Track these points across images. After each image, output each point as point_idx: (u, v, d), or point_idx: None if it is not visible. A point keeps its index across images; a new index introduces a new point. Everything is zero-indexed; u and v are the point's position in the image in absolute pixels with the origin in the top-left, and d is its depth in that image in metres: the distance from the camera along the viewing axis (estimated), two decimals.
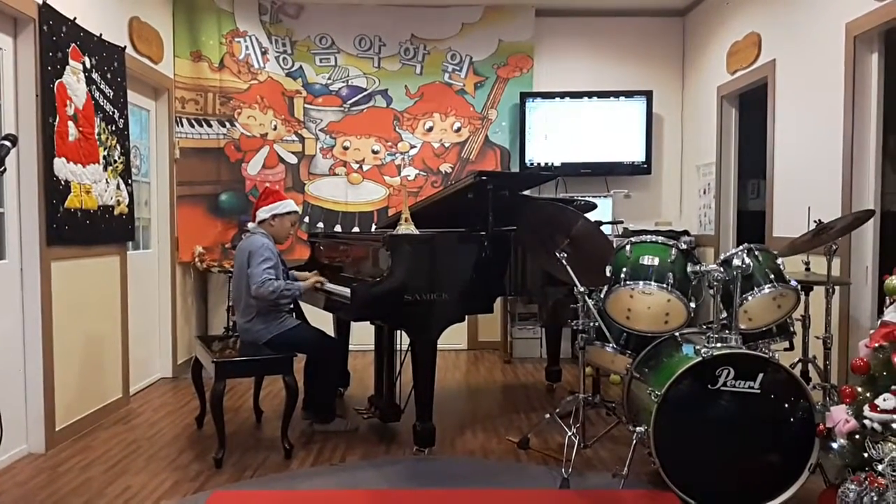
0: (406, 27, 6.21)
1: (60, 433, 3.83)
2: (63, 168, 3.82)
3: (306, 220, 6.12)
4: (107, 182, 4.30)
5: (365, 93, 6.21)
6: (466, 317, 3.89)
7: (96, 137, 4.17)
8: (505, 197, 3.93)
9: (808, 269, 3.81)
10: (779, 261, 3.37)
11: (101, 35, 4.24)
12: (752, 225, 5.38)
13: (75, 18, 3.94)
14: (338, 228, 6.15)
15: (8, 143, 2.70)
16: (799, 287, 3.34)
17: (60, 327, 3.83)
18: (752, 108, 5.43)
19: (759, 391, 2.86)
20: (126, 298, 4.64)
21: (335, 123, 6.19)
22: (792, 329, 3.52)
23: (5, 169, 2.67)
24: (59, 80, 3.79)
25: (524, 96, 6.19)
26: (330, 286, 3.92)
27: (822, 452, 2.79)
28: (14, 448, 3.54)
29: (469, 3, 6.16)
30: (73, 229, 3.92)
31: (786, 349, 3.56)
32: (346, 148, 6.21)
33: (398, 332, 4.08)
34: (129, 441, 3.91)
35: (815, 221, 3.48)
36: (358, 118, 6.20)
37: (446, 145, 6.26)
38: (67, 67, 3.88)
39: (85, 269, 4.13)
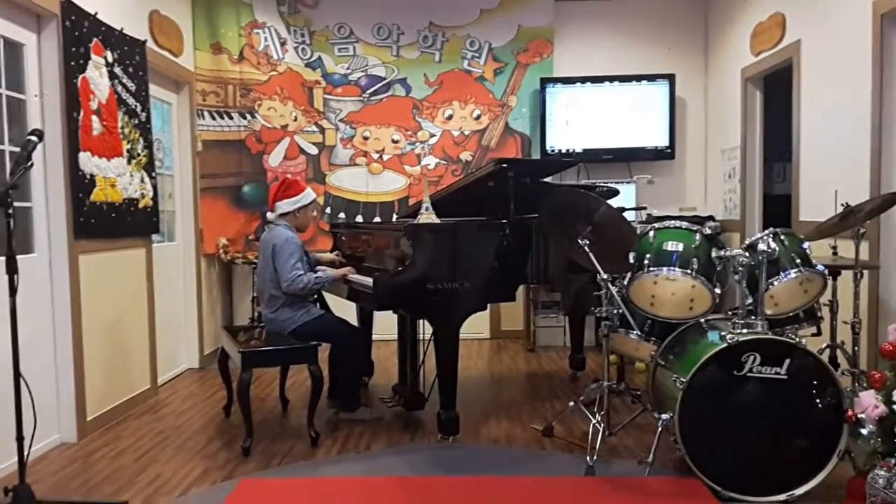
0: (424, 15, 6.18)
1: (91, 423, 3.90)
2: (88, 162, 3.87)
3: (328, 210, 6.14)
4: (131, 175, 4.35)
5: (384, 82, 6.21)
6: (489, 305, 3.89)
7: (119, 131, 4.22)
8: (526, 184, 3.91)
9: (835, 254, 3.75)
10: (805, 245, 3.31)
11: (122, 29, 4.27)
12: (779, 209, 5.30)
13: (97, 13, 3.98)
14: (359, 219, 6.17)
15: (34, 139, 2.74)
16: (826, 271, 3.28)
17: (89, 320, 3.89)
18: (777, 89, 5.34)
19: (785, 377, 2.83)
20: (152, 290, 4.70)
21: (355, 113, 6.19)
22: (819, 314, 3.46)
23: (32, 164, 2.72)
24: (82, 75, 3.83)
25: (544, 82, 6.14)
26: (353, 276, 3.94)
27: (851, 438, 2.76)
28: (47, 437, 3.62)
29: None
30: (100, 222, 3.97)
31: (813, 335, 3.51)
32: (366, 138, 6.21)
33: (421, 320, 4.09)
34: (158, 430, 3.97)
35: (842, 205, 3.42)
36: (377, 107, 6.20)
37: (466, 133, 6.24)
38: (90, 62, 3.92)
39: (111, 262, 4.19)
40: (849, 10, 4.08)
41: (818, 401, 2.82)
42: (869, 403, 2.59)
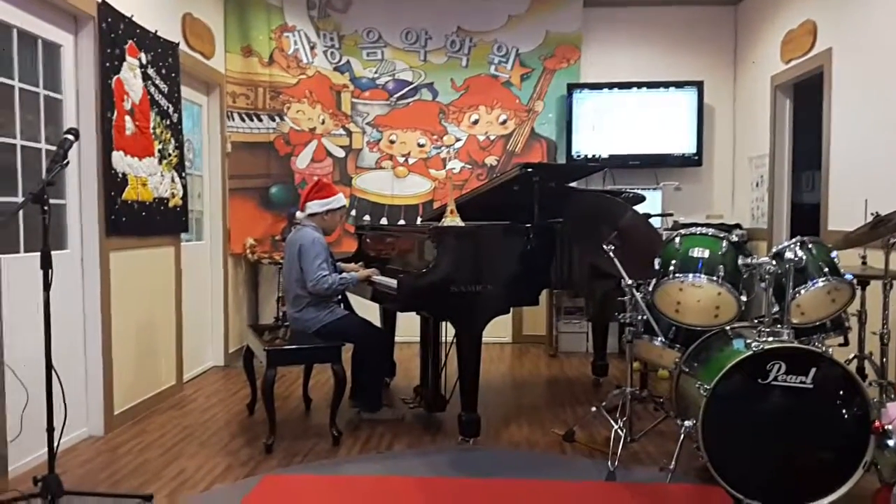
0: (452, 20, 6.22)
1: (118, 417, 3.97)
2: (120, 161, 3.95)
3: (353, 213, 6.19)
4: (161, 175, 4.42)
5: (411, 86, 6.25)
6: (511, 310, 3.90)
7: (151, 131, 4.30)
8: (551, 189, 3.92)
9: (864, 263, 3.69)
10: (833, 254, 3.28)
11: (156, 32, 4.36)
12: (807, 218, 5.25)
13: (132, 16, 4.06)
14: (384, 221, 6.21)
15: (71, 137, 2.81)
16: (854, 281, 3.24)
17: (118, 315, 3.97)
18: (806, 97, 5.29)
19: (811, 386, 2.79)
20: (180, 288, 4.77)
21: (382, 117, 6.24)
22: (847, 324, 3.42)
23: (68, 162, 2.79)
24: (116, 76, 3.92)
25: (571, 88, 6.14)
26: (377, 277, 3.98)
27: (878, 450, 2.72)
28: (76, 430, 3.69)
29: None
30: (130, 221, 4.05)
31: (840, 345, 3.46)
32: (392, 141, 6.26)
33: (444, 323, 4.11)
34: (183, 426, 4.03)
35: (872, 214, 3.38)
36: (404, 112, 6.24)
37: (492, 138, 6.26)
38: (125, 63, 4.00)
39: (141, 260, 4.27)
40: (881, 17, 4.04)
41: (844, 411, 2.79)
42: None
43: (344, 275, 3.96)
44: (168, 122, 4.52)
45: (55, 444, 2.77)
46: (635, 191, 4.93)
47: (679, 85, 6.13)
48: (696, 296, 3.25)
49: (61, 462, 3.25)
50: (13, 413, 3.06)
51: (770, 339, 2.90)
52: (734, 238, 3.30)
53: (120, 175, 3.94)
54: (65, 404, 2.87)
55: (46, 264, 2.69)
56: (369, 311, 4.47)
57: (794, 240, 3.26)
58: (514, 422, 4.10)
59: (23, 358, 3.12)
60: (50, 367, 2.76)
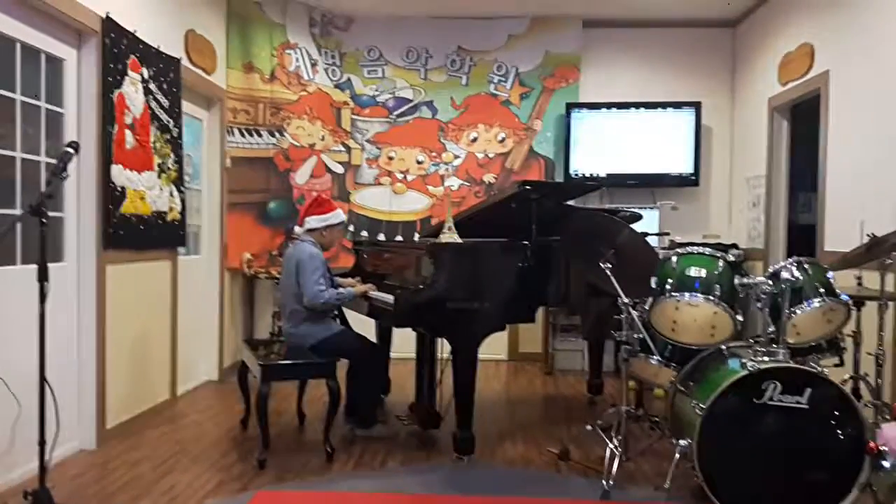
0: (453, 39, 6.28)
1: (111, 431, 3.95)
2: (120, 175, 3.96)
3: (351, 228, 6.20)
4: (160, 189, 4.43)
5: (411, 104, 6.29)
6: (507, 327, 3.90)
7: (151, 146, 4.32)
8: (549, 207, 3.93)
9: (860, 284, 3.71)
10: (829, 275, 3.29)
11: (158, 47, 4.39)
12: (803, 239, 5.26)
13: (136, 31, 4.10)
14: (381, 237, 6.22)
15: (71, 150, 2.82)
16: (850, 302, 3.25)
17: (113, 329, 3.96)
18: (803, 119, 5.32)
19: (806, 406, 2.79)
20: (176, 302, 4.77)
21: (381, 134, 6.27)
22: (842, 345, 3.42)
23: (68, 175, 2.80)
24: (118, 91, 3.94)
25: (570, 107, 6.18)
26: (374, 293, 3.98)
27: (873, 471, 2.71)
28: (67, 444, 3.66)
29: (516, 15, 6.20)
30: (128, 234, 4.05)
31: (836, 365, 3.46)
32: (391, 158, 6.29)
33: (439, 340, 4.10)
34: (175, 441, 4.01)
35: (868, 235, 3.39)
36: (403, 129, 6.28)
37: (490, 156, 6.29)
38: (126, 78, 4.03)
39: (138, 273, 4.27)
40: (879, 42, 4.08)
41: (839, 431, 2.78)
42: (891, 436, 2.55)
43: (340, 290, 3.96)
44: (168, 137, 4.53)
45: (47, 458, 2.75)
46: (632, 210, 4.94)
47: (677, 105, 6.17)
48: (693, 315, 3.26)
49: (52, 476, 3.21)
50: (4, 425, 3.04)
51: (766, 358, 2.91)
52: (730, 258, 3.31)
53: (119, 188, 3.95)
54: (57, 417, 2.86)
55: (43, 277, 2.69)
56: (365, 326, 4.47)
57: (790, 260, 3.28)
58: (509, 440, 4.09)
59: (15, 370, 3.10)
60: (43, 380, 2.75)
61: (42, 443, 2.75)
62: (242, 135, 5.96)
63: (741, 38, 6.23)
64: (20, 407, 3.02)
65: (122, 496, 3.18)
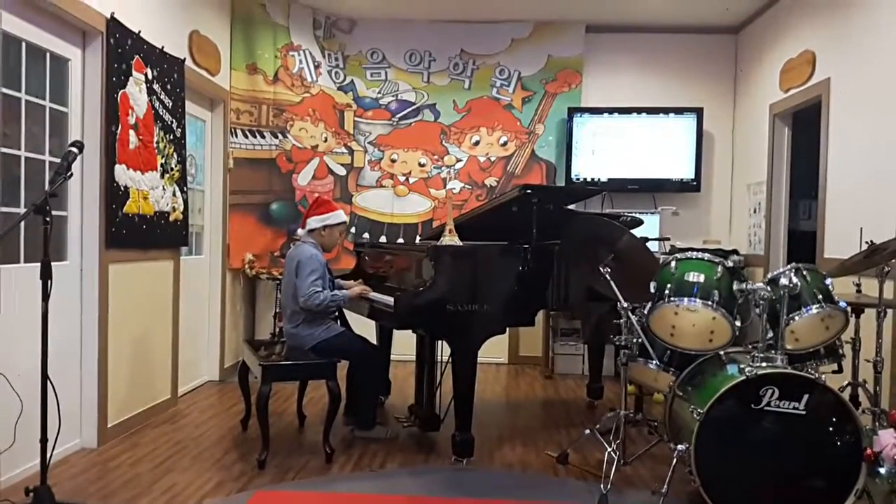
0: (456, 42, 6.30)
1: (112, 430, 3.96)
2: (123, 174, 3.98)
3: (352, 230, 6.22)
4: (163, 189, 4.46)
5: (413, 107, 6.31)
6: (507, 331, 3.92)
7: (155, 146, 4.34)
8: (550, 210, 3.95)
9: (859, 291, 3.72)
10: (828, 281, 3.30)
11: (162, 48, 4.41)
12: (803, 246, 5.27)
13: (140, 32, 4.12)
14: (383, 239, 6.24)
15: (75, 150, 2.85)
16: (848, 309, 3.26)
17: (115, 328, 3.97)
18: (804, 126, 5.34)
19: (804, 412, 2.80)
20: (178, 302, 4.78)
21: (384, 136, 6.30)
22: (841, 351, 3.44)
23: (72, 174, 2.82)
24: (122, 91, 3.96)
25: (572, 111, 6.20)
26: (374, 295, 3.99)
27: (869, 477, 2.72)
28: (69, 442, 3.68)
29: (519, 19, 6.22)
30: (131, 233, 4.07)
31: (834, 371, 3.47)
32: (393, 161, 6.31)
33: (440, 342, 4.11)
34: (176, 440, 4.02)
35: (867, 242, 3.41)
36: (406, 132, 6.30)
37: (492, 159, 6.31)
38: (131, 78, 4.05)
39: (140, 273, 4.28)
40: (880, 49, 4.10)
41: (836, 438, 2.79)
42: (888, 442, 2.57)
43: (336, 292, 3.95)
44: (171, 137, 4.56)
45: (48, 456, 2.77)
46: (633, 215, 4.96)
47: (679, 111, 6.19)
48: (691, 320, 3.28)
49: (53, 473, 3.24)
50: (7, 423, 3.05)
51: (764, 364, 2.92)
52: (729, 263, 3.33)
53: (122, 188, 3.97)
54: (59, 415, 2.88)
55: (46, 275, 2.71)
56: (366, 328, 4.48)
57: (788, 266, 3.29)
58: (507, 443, 4.10)
59: (18, 368, 3.12)
60: (46, 378, 2.77)
61: (44, 440, 2.77)
62: (245, 136, 5.98)
63: (743, 45, 6.25)
64: (22, 404, 3.04)
65: (123, 494, 3.19)
